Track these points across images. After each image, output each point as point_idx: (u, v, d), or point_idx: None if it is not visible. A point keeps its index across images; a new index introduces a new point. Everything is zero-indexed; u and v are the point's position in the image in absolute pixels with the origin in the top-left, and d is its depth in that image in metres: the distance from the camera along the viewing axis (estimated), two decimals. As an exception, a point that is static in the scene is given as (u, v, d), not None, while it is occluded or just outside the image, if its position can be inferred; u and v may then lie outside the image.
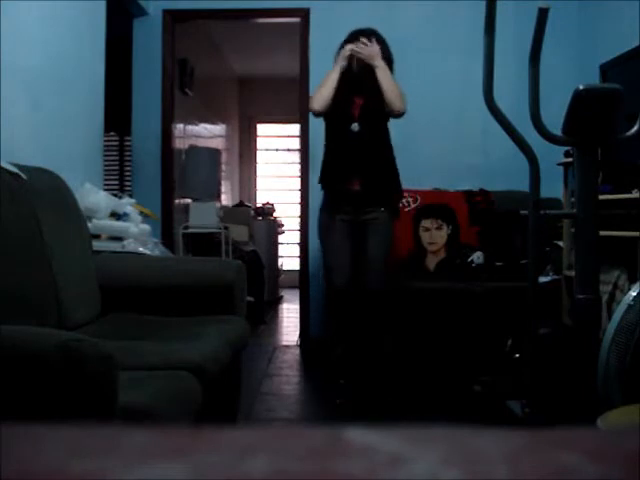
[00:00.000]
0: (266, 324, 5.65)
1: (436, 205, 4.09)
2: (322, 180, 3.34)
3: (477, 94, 2.53)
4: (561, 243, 3.68)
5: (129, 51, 4.56)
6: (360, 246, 3.22)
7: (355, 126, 3.20)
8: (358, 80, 3.25)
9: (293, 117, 5.71)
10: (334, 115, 3.25)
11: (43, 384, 1.22)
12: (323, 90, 3.24)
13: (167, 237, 4.46)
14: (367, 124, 3.22)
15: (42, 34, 2.88)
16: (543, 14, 2.30)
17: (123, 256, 2.87)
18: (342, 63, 3.23)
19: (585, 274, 2.41)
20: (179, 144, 4.98)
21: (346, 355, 3.25)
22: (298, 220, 4.73)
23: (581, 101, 2.28)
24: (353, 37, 3.24)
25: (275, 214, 7.54)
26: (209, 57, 6.22)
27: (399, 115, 3.25)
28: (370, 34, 3.24)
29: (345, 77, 3.23)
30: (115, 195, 3.43)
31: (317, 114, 3.32)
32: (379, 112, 3.24)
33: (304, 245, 4.55)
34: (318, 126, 3.49)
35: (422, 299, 3.66)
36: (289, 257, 7.70)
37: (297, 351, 4.53)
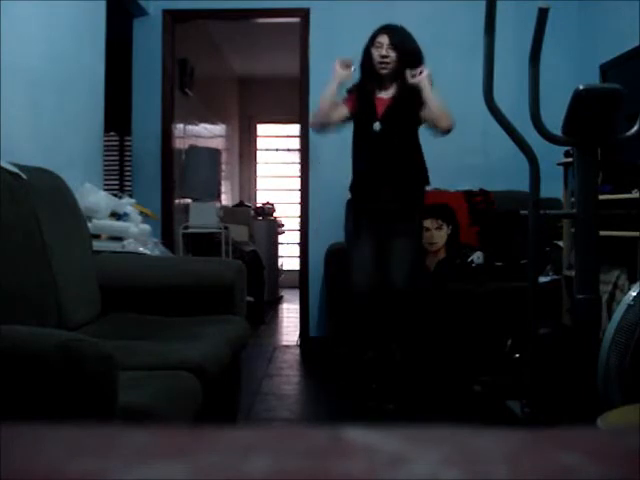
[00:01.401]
0: (266, 324, 5.65)
1: (436, 205, 4.09)
2: (352, 188, 3.19)
3: (477, 94, 2.53)
4: (561, 243, 3.67)
5: (129, 51, 4.56)
6: (388, 248, 3.07)
7: (377, 125, 3.01)
8: (384, 78, 3.08)
9: (293, 117, 5.71)
10: (357, 114, 3.06)
11: (43, 384, 1.22)
12: (320, 104, 3.08)
13: (167, 237, 4.46)
14: (391, 124, 3.02)
15: (42, 34, 2.88)
16: (543, 14, 2.30)
17: (123, 256, 2.87)
18: (340, 75, 3.02)
19: (585, 274, 2.41)
20: (179, 144, 4.98)
21: (378, 358, 3.12)
22: (298, 220, 4.73)
23: (581, 101, 2.28)
24: (378, 34, 3.09)
25: (275, 214, 7.54)
26: (209, 57, 6.22)
27: (447, 132, 3.05)
28: (394, 31, 3.10)
29: (370, 75, 3.08)
30: (115, 195, 3.43)
31: (316, 130, 3.21)
32: (407, 112, 3.05)
33: (304, 245, 4.55)
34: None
35: (422, 299, 3.66)
36: (289, 257, 7.70)
37: (297, 351, 4.53)
